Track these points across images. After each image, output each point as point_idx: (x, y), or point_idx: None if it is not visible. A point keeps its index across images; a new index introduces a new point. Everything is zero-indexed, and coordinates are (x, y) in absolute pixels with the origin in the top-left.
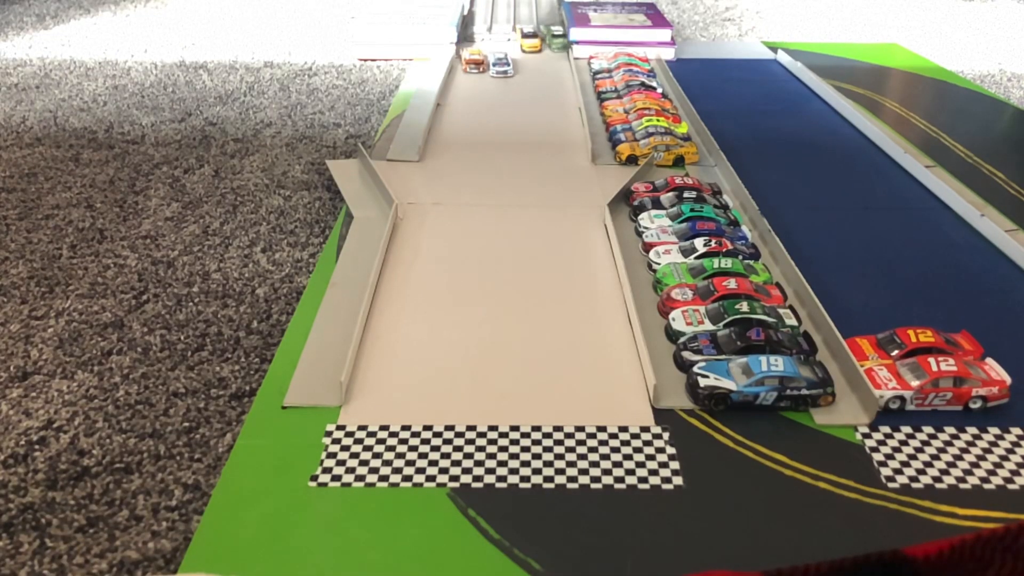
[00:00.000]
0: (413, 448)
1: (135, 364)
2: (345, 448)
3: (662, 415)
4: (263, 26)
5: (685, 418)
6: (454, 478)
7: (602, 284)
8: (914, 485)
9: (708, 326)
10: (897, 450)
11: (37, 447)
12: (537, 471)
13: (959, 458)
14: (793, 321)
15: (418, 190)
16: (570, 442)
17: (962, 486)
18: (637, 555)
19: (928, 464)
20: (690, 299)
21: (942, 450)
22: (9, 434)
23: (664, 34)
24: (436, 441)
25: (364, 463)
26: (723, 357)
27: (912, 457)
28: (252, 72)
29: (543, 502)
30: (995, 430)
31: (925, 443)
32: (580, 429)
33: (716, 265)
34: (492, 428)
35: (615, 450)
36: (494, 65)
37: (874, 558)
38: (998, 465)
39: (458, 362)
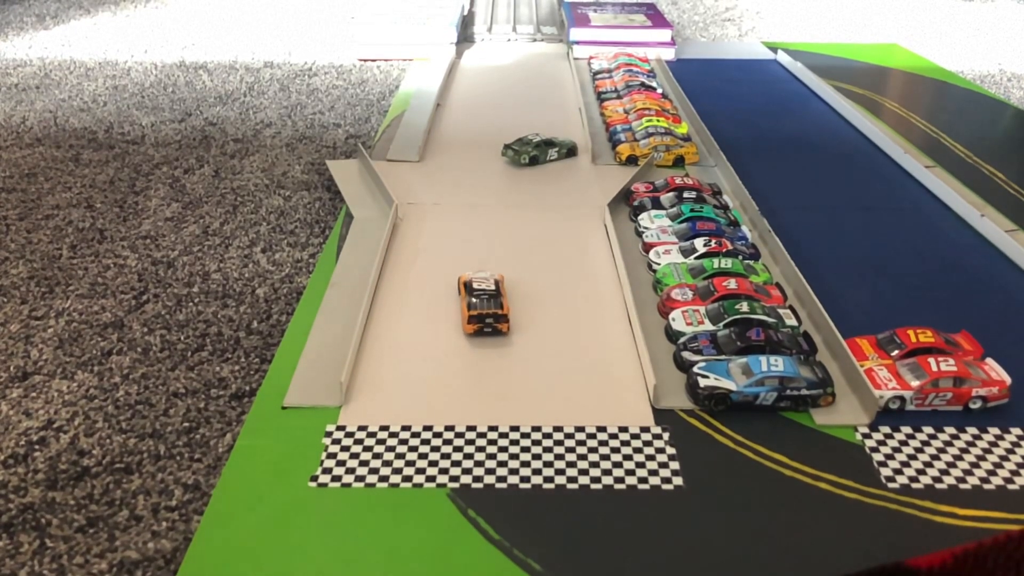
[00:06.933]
0: (413, 448)
1: (135, 364)
2: (345, 448)
3: (662, 415)
4: (263, 26)
5: (685, 418)
6: (454, 478)
7: (602, 284)
8: (914, 485)
9: (708, 326)
10: (897, 450)
11: (37, 447)
12: (537, 471)
13: (959, 458)
14: (793, 321)
15: (418, 190)
16: (570, 442)
17: (962, 486)
18: (637, 555)
19: (928, 464)
20: (690, 299)
21: (942, 450)
22: (9, 434)
23: (664, 34)
24: (436, 441)
25: (364, 463)
26: (723, 357)
27: (912, 457)
28: (252, 72)
29: (543, 502)
30: (995, 430)
31: (925, 443)
32: (580, 429)
33: (716, 265)
34: (492, 428)
35: (615, 450)
36: None
37: (876, 571)
38: (998, 465)
39: (458, 362)
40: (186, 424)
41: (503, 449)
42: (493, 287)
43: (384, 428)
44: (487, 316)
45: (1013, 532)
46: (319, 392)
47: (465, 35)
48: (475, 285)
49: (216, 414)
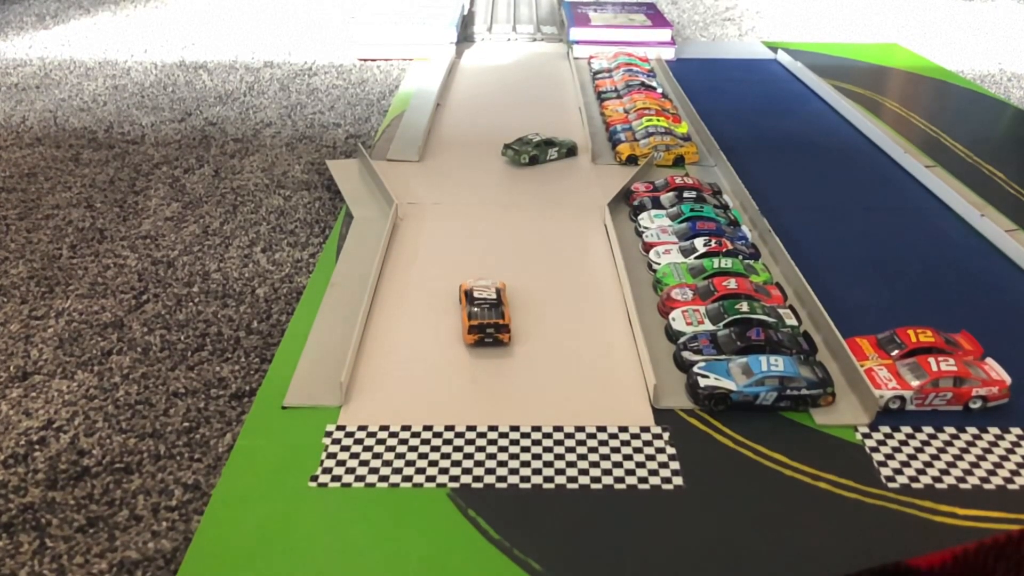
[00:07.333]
0: (413, 448)
1: (135, 364)
2: (345, 448)
3: (662, 415)
4: (263, 26)
5: (685, 418)
6: (454, 478)
7: (602, 284)
8: (914, 485)
9: (708, 326)
10: (897, 450)
11: (37, 447)
12: (537, 471)
13: (959, 458)
14: (793, 321)
15: (418, 190)
16: (570, 442)
17: (962, 486)
18: (637, 555)
19: (928, 464)
20: (690, 299)
21: (942, 450)
22: (9, 434)
23: (664, 34)
24: (436, 441)
25: (364, 463)
26: (723, 357)
27: (912, 457)
28: (252, 72)
29: (543, 502)
30: (995, 430)
31: (925, 443)
32: (580, 429)
33: (716, 265)
34: (492, 428)
35: (615, 450)
36: None
37: (876, 571)
38: (998, 465)
39: (459, 362)
40: (186, 424)
41: (503, 449)
42: (494, 296)
43: (384, 428)
44: (488, 326)
45: (1013, 532)
46: (319, 392)
47: (465, 35)
48: (476, 294)
49: (216, 414)
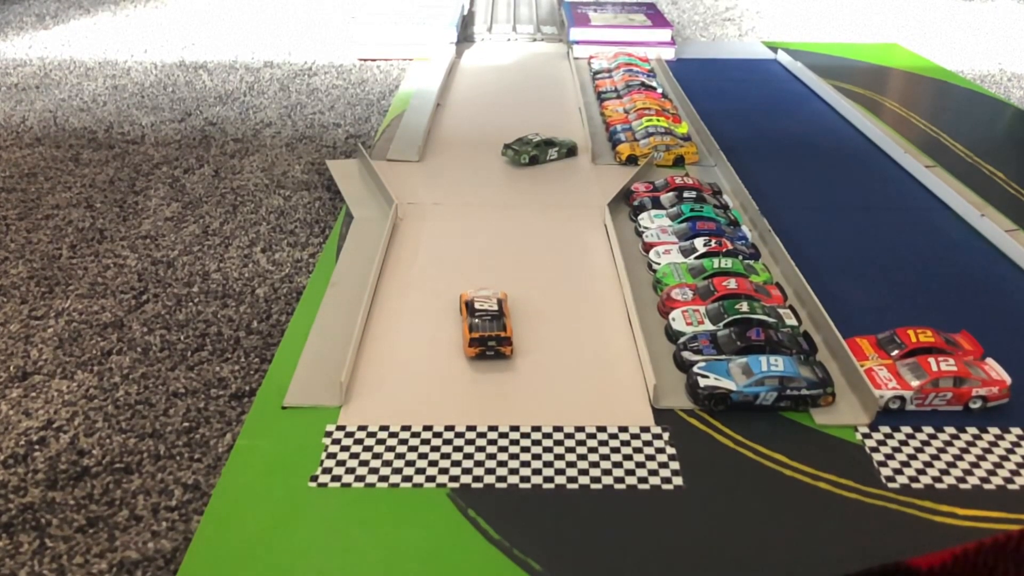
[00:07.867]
0: (413, 448)
1: (135, 364)
2: (345, 448)
3: (662, 415)
4: (263, 26)
5: (685, 418)
6: (454, 478)
7: (602, 284)
8: (914, 485)
9: (708, 326)
10: (897, 450)
11: (37, 447)
12: (537, 471)
13: (959, 458)
14: (793, 321)
15: (418, 190)
16: (570, 442)
17: (962, 486)
18: (637, 555)
19: (928, 464)
20: (690, 299)
21: (942, 450)
22: (9, 434)
23: (664, 34)
24: (436, 441)
25: (364, 463)
26: (723, 357)
27: (912, 457)
28: (252, 72)
29: (543, 502)
30: (995, 430)
31: (925, 443)
32: (580, 429)
33: (716, 265)
34: (492, 428)
35: (615, 450)
36: None
37: (876, 571)
38: (998, 465)
39: (458, 362)
40: (186, 424)
41: (503, 449)
42: (496, 307)
43: (384, 428)
44: (489, 339)
45: (1013, 532)
46: (319, 392)
47: (465, 35)
48: (477, 305)
49: (216, 414)
